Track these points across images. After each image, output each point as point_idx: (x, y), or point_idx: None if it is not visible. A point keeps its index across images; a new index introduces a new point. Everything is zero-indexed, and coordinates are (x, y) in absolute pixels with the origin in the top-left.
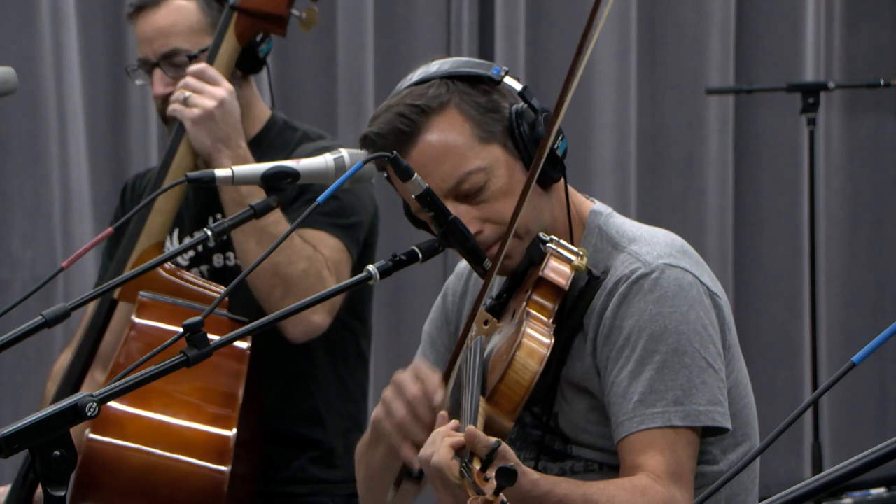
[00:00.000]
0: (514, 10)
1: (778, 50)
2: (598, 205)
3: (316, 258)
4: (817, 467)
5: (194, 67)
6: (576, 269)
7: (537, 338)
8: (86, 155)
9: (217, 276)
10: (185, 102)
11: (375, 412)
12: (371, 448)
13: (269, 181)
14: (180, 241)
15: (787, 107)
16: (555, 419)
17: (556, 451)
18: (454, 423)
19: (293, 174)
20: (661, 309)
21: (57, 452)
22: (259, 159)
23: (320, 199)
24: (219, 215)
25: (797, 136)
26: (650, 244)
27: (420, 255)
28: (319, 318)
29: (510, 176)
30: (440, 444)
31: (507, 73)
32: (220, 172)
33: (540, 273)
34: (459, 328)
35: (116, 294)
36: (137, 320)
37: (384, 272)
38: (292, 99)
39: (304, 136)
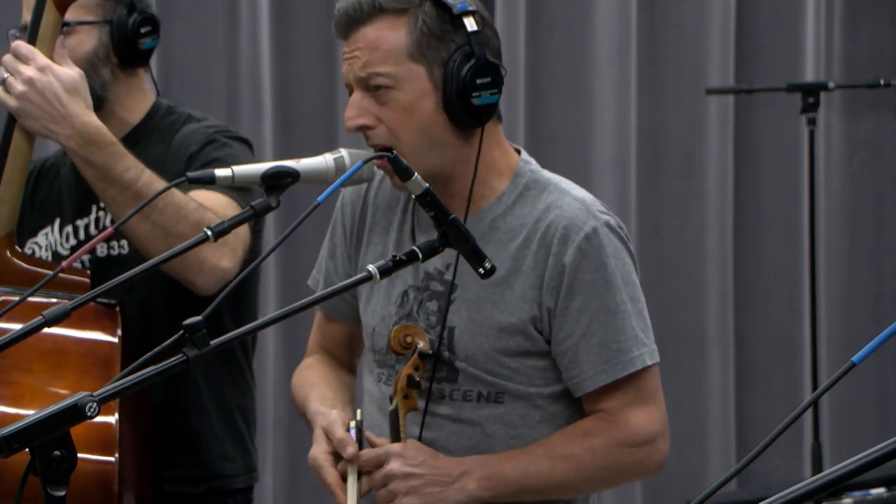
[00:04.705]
0: (514, 10)
1: (778, 50)
2: (524, 154)
3: (202, 211)
4: (817, 467)
5: (13, 45)
6: None
7: None
8: None
9: (100, 265)
10: (4, 87)
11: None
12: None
13: (270, 181)
14: (61, 230)
15: (787, 107)
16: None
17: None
18: None
19: (293, 174)
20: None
21: (57, 452)
22: (144, 147)
23: (320, 198)
24: (102, 203)
25: (797, 136)
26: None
27: (420, 255)
28: (227, 263)
29: (417, 98)
30: None
31: (471, 13)
32: (220, 172)
33: None
34: (363, 236)
35: None
36: None
37: (384, 272)
38: (292, 99)
39: (188, 117)
